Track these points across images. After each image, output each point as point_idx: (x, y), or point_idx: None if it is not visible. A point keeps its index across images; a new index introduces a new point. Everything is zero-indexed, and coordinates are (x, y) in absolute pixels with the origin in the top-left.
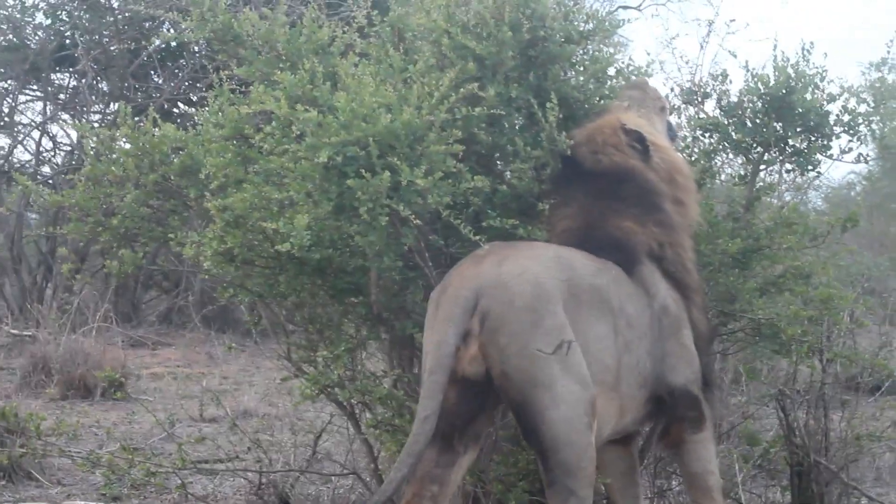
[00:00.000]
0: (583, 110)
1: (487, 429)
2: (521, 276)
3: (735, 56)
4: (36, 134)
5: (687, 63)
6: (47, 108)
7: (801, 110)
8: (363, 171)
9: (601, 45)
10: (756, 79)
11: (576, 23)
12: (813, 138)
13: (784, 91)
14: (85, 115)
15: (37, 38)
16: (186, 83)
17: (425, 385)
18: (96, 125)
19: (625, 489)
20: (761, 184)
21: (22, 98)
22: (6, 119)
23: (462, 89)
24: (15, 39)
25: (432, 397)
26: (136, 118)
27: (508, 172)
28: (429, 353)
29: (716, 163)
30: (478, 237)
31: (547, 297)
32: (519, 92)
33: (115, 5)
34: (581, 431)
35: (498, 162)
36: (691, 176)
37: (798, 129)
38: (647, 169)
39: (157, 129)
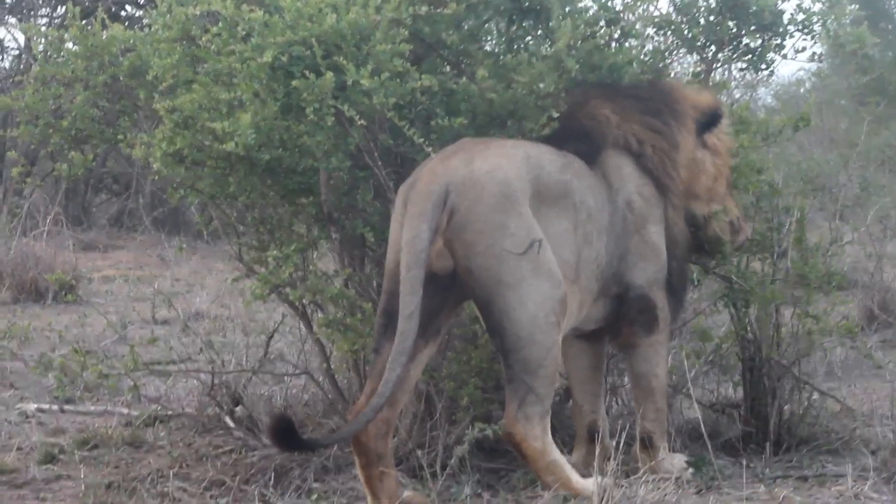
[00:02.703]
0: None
1: (449, 324)
2: (491, 175)
3: None
4: None
5: None
6: None
7: (755, 9)
8: (308, 71)
9: None
10: None
11: None
12: (767, 37)
13: None
14: (32, 18)
15: None
16: None
17: (405, 282)
18: (44, 28)
19: (584, 384)
20: (714, 81)
21: None
22: None
23: None
24: None
25: (414, 293)
26: (84, 20)
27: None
28: (404, 249)
29: (668, 61)
30: (422, 140)
31: (515, 197)
32: None
33: None
34: (546, 331)
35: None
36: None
37: (752, 28)
38: (685, 104)
39: (105, 31)
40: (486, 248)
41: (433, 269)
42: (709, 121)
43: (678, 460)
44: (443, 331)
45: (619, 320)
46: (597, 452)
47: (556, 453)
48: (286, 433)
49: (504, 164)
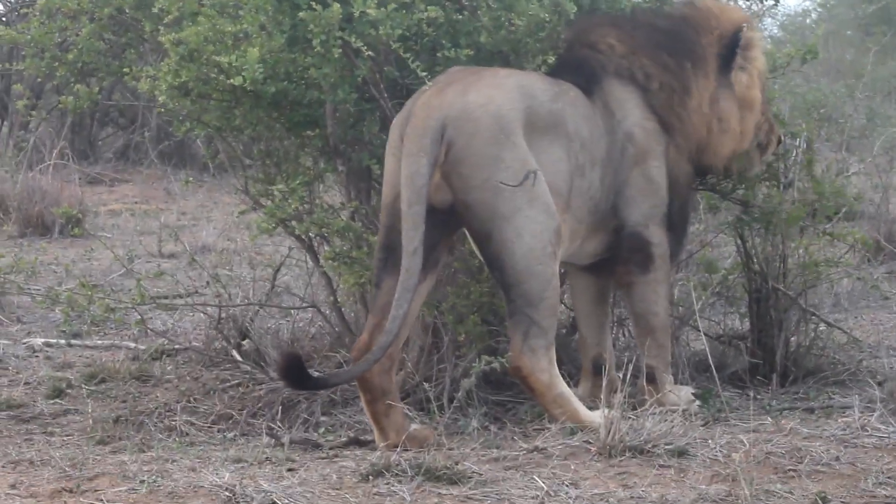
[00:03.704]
0: None
1: (447, 256)
2: (485, 107)
3: None
4: None
5: None
6: None
7: None
8: (315, 2)
9: None
10: None
11: None
12: None
13: None
14: None
15: None
16: None
17: (406, 217)
18: None
19: (590, 317)
20: None
21: None
22: None
23: None
24: None
25: (416, 228)
26: None
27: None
28: (403, 185)
29: None
30: (425, 74)
31: (510, 129)
32: None
33: None
34: (545, 262)
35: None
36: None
37: None
38: (709, 45)
39: None
40: (482, 182)
41: (431, 203)
42: (732, 49)
43: (685, 393)
44: (441, 263)
45: (616, 257)
46: (603, 385)
47: (563, 386)
48: (296, 371)
49: (497, 95)
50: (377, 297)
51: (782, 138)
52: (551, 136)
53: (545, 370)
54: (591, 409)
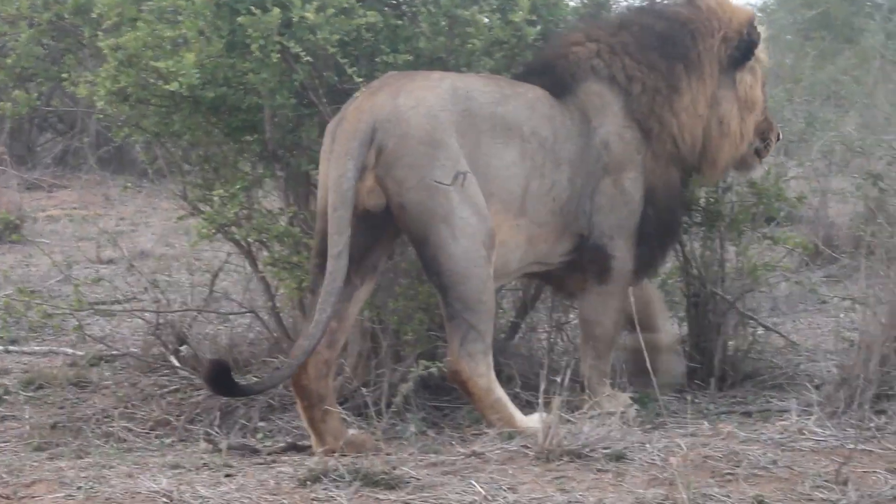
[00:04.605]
0: None
1: (384, 261)
2: (416, 109)
3: None
4: None
5: None
6: None
7: None
8: (254, 7)
9: None
10: None
11: None
12: None
13: None
14: None
15: None
16: None
17: (332, 221)
18: None
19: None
20: None
21: None
22: None
23: None
24: None
25: (341, 233)
26: None
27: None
28: (330, 189)
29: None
30: (362, 79)
31: (441, 129)
32: None
33: None
34: (480, 265)
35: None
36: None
37: None
38: (708, 49)
39: None
40: (417, 182)
41: (366, 208)
42: (743, 52)
43: (622, 399)
44: (379, 268)
45: (575, 262)
46: (541, 389)
47: (500, 391)
48: (222, 378)
49: (429, 97)
50: (313, 303)
51: (780, 135)
52: (502, 139)
53: (483, 375)
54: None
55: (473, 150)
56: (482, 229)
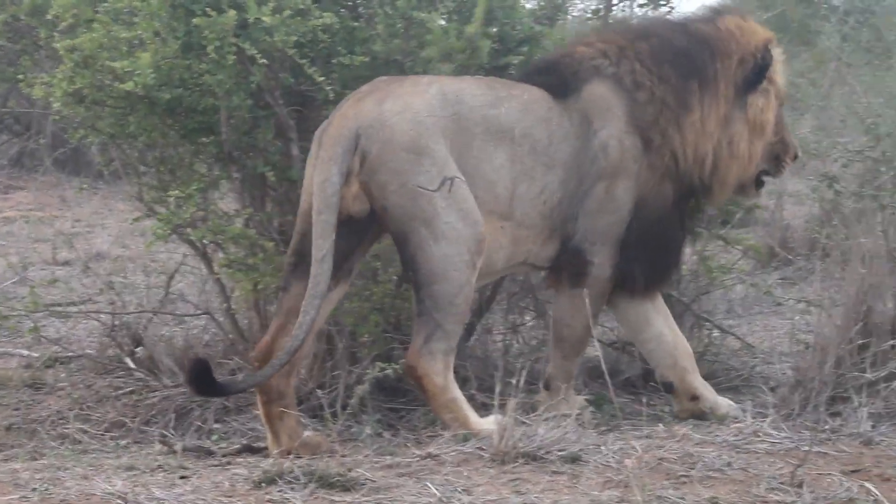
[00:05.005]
0: None
1: (359, 265)
2: (402, 115)
3: None
4: None
5: None
6: None
7: None
8: (210, 8)
9: None
10: None
11: None
12: None
13: None
14: None
15: None
16: None
17: (316, 226)
18: None
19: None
20: (614, 18)
21: None
22: None
23: None
24: None
25: (325, 237)
26: None
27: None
28: (315, 194)
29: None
30: (323, 78)
31: (427, 135)
32: None
33: None
34: (460, 269)
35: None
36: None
37: None
38: (725, 70)
39: None
40: (399, 187)
41: (350, 213)
42: (755, 75)
43: (577, 401)
44: (354, 272)
45: (556, 261)
46: (497, 391)
47: (456, 391)
48: (203, 377)
49: (415, 102)
50: (283, 301)
51: (798, 154)
52: (493, 142)
53: (440, 373)
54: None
55: (464, 153)
56: (468, 234)
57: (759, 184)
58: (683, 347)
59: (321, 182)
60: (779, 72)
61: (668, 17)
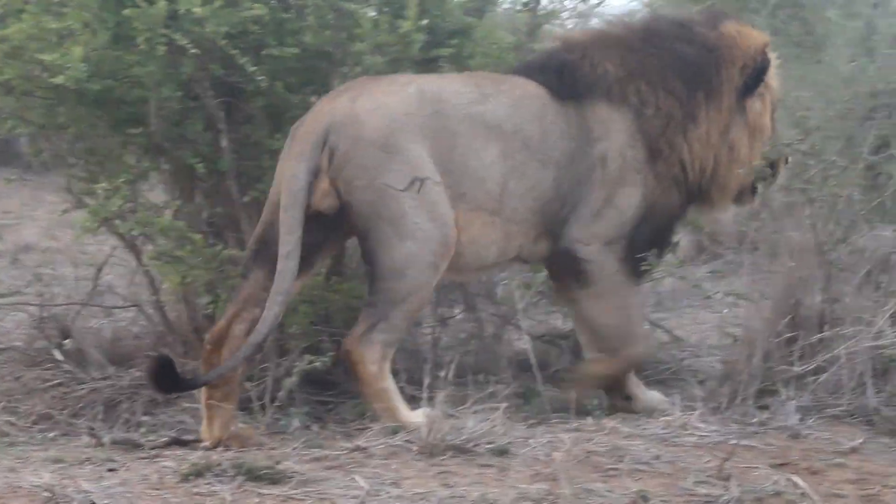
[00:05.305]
0: None
1: (324, 259)
2: (374, 112)
3: None
4: None
5: None
6: None
7: None
8: None
9: None
10: None
11: None
12: None
13: None
14: None
15: None
16: None
17: (283, 221)
18: None
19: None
20: (544, 11)
21: None
22: None
23: None
24: None
25: (292, 232)
26: None
27: None
28: (283, 189)
29: None
30: (254, 69)
31: (400, 134)
32: None
33: None
34: (420, 269)
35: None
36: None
37: None
38: (728, 79)
39: None
40: (366, 183)
41: (319, 209)
42: (754, 80)
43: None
44: (316, 267)
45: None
46: (426, 384)
47: (389, 382)
48: (166, 374)
49: (390, 100)
50: (241, 288)
51: (788, 159)
52: (481, 138)
53: (375, 362)
54: None
55: (447, 152)
56: (435, 236)
57: (754, 190)
58: None
59: (289, 177)
60: (773, 76)
61: (672, 18)
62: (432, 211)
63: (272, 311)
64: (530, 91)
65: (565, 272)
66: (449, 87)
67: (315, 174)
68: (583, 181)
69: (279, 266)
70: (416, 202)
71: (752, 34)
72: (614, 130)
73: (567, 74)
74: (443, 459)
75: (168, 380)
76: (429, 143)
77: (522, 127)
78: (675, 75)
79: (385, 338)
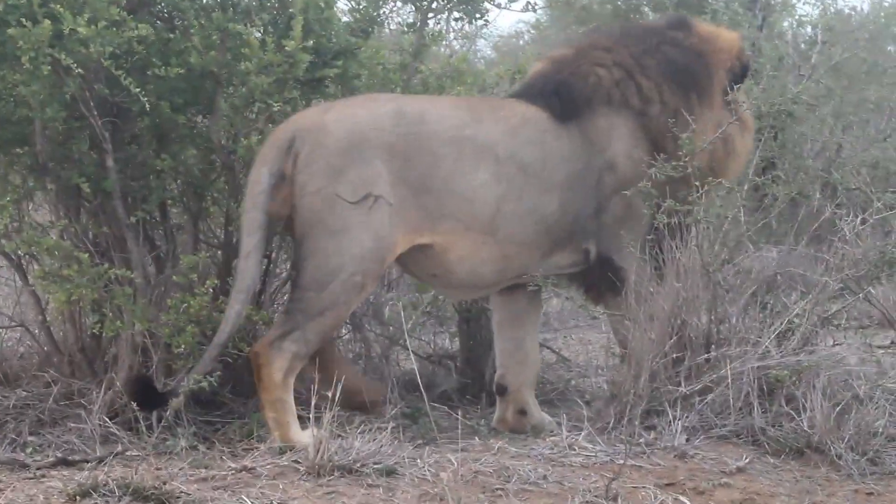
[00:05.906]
0: None
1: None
2: (341, 122)
3: None
4: None
5: None
6: None
7: None
8: (25, 19)
9: None
10: None
11: None
12: None
13: None
14: None
15: None
16: None
17: (243, 224)
18: None
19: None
20: (430, 32)
21: None
22: None
23: None
24: None
25: (251, 234)
26: None
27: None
28: (246, 193)
29: (384, 11)
30: (138, 89)
31: (364, 147)
32: None
33: None
34: (344, 286)
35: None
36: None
37: None
38: (718, 80)
39: None
40: (317, 190)
41: (282, 215)
42: (740, 76)
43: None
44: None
45: (585, 277)
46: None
47: (289, 396)
48: (147, 392)
49: (361, 114)
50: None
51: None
52: (471, 161)
53: (282, 370)
54: None
55: (426, 172)
56: (371, 257)
57: None
58: (536, 358)
59: (251, 182)
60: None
61: (646, 25)
62: (377, 231)
63: (233, 309)
64: (529, 116)
65: (604, 281)
66: (435, 109)
67: (280, 178)
68: (596, 194)
69: (239, 266)
70: (364, 218)
71: (726, 34)
72: (616, 136)
73: (564, 94)
74: (330, 479)
75: (150, 397)
76: (397, 163)
77: (518, 152)
78: (670, 79)
79: (295, 349)
